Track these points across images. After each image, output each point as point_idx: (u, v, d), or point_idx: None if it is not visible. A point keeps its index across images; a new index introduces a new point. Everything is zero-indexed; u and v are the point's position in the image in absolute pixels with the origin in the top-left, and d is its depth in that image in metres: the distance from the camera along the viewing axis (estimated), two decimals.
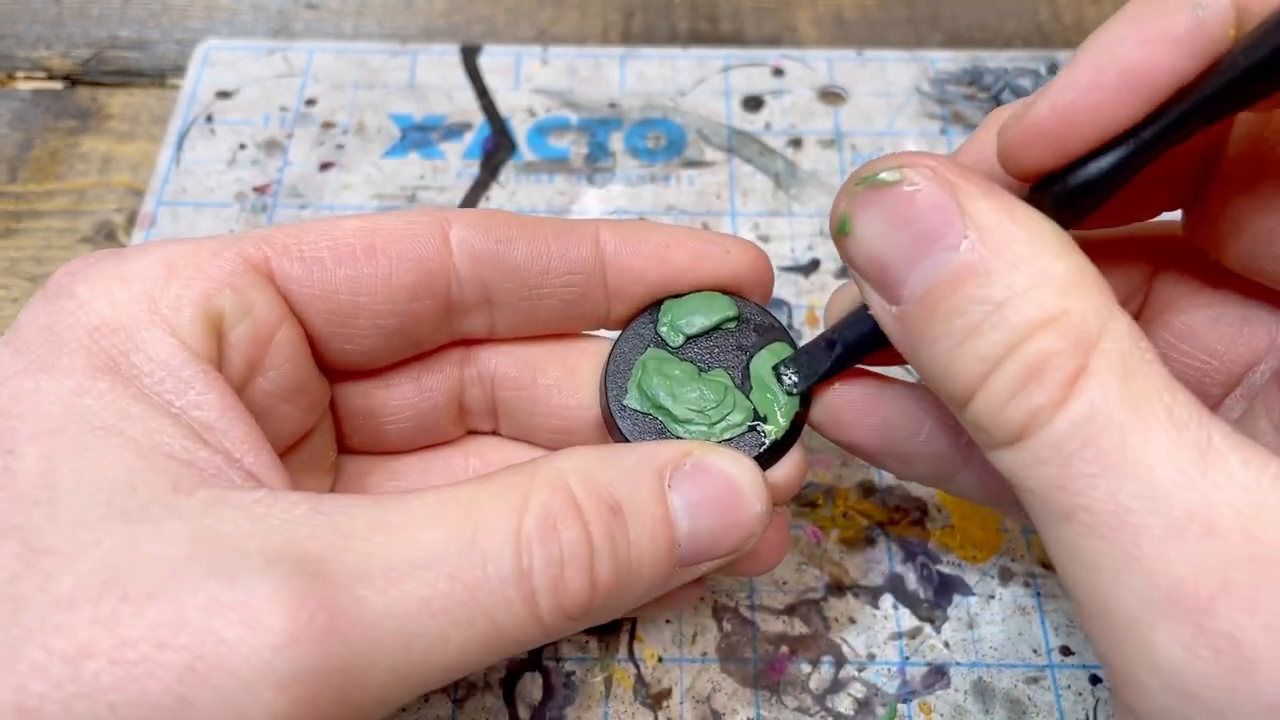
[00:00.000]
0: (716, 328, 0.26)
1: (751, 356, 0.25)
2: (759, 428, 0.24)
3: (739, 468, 0.23)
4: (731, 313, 0.26)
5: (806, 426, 0.26)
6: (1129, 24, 0.19)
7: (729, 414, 0.24)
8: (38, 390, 0.20)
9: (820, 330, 0.28)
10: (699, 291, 0.26)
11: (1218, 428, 0.17)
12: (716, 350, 0.26)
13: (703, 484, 0.22)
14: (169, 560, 0.18)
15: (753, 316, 0.26)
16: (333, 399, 0.26)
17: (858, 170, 0.20)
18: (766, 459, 0.24)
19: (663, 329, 0.26)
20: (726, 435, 0.24)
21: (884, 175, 0.19)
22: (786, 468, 0.25)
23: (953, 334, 0.18)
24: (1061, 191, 0.20)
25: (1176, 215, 0.25)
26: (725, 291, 0.26)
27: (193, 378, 0.20)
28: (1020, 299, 0.18)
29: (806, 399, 0.25)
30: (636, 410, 0.25)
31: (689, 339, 0.26)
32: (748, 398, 0.25)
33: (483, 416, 0.28)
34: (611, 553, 0.21)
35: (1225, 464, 0.17)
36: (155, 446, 0.19)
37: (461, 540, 0.19)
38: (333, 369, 0.25)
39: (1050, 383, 0.17)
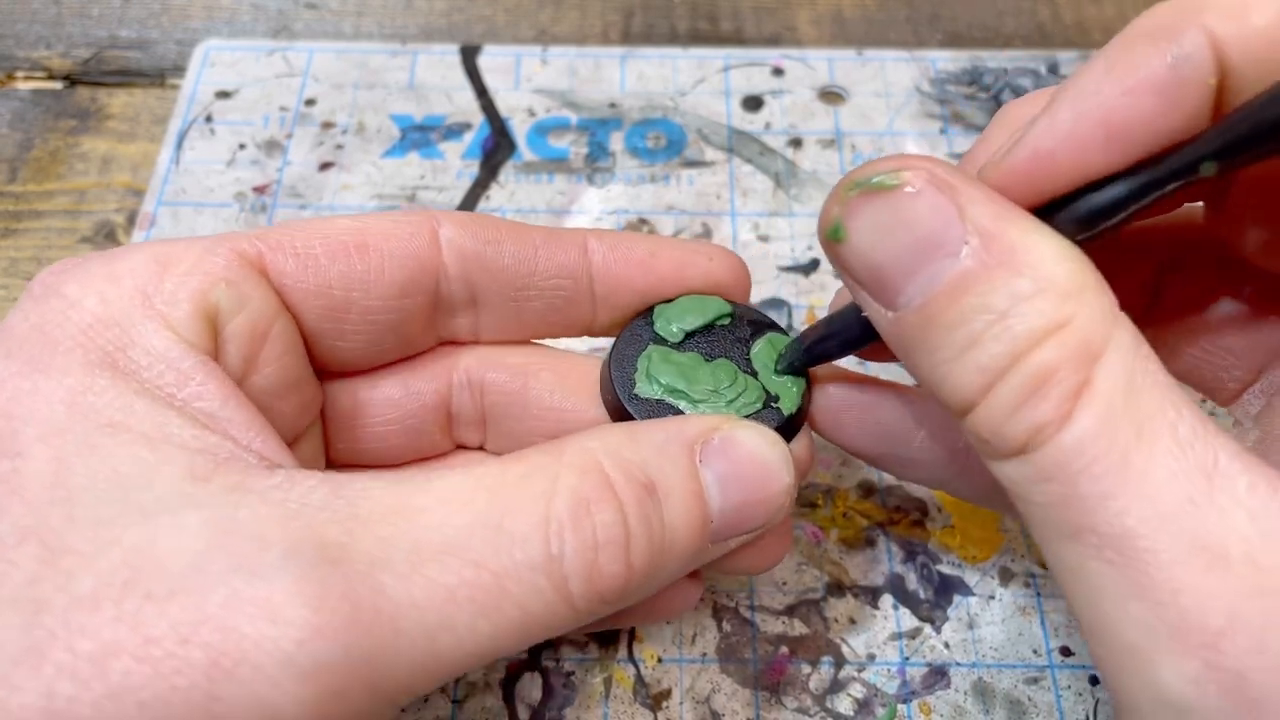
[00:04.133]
0: (711, 325, 0.26)
1: (751, 346, 0.26)
2: (773, 405, 0.25)
3: (767, 441, 0.23)
4: (726, 309, 0.26)
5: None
6: (1107, 71, 0.18)
7: (743, 393, 0.25)
8: (36, 391, 0.19)
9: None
10: (687, 295, 0.26)
11: (1224, 446, 0.17)
12: (716, 343, 0.26)
13: (732, 458, 0.22)
14: (188, 554, 0.18)
15: (745, 313, 0.27)
16: (321, 406, 0.26)
17: (850, 173, 0.19)
18: (783, 435, 0.24)
19: (659, 328, 0.26)
20: (744, 413, 0.25)
21: (879, 179, 0.19)
22: (798, 447, 0.25)
23: (953, 344, 0.18)
24: (1069, 219, 0.19)
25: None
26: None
27: (192, 369, 0.20)
28: (1023, 306, 0.17)
29: (810, 381, 0.26)
30: (649, 399, 0.25)
31: (688, 335, 0.26)
32: (756, 380, 0.25)
33: (471, 427, 0.27)
34: (647, 534, 0.20)
35: (1232, 487, 0.16)
36: (165, 438, 0.19)
37: (487, 526, 0.19)
38: (325, 368, 0.25)
39: (1054, 397, 0.17)
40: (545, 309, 0.26)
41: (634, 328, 0.26)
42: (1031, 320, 0.17)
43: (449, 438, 0.28)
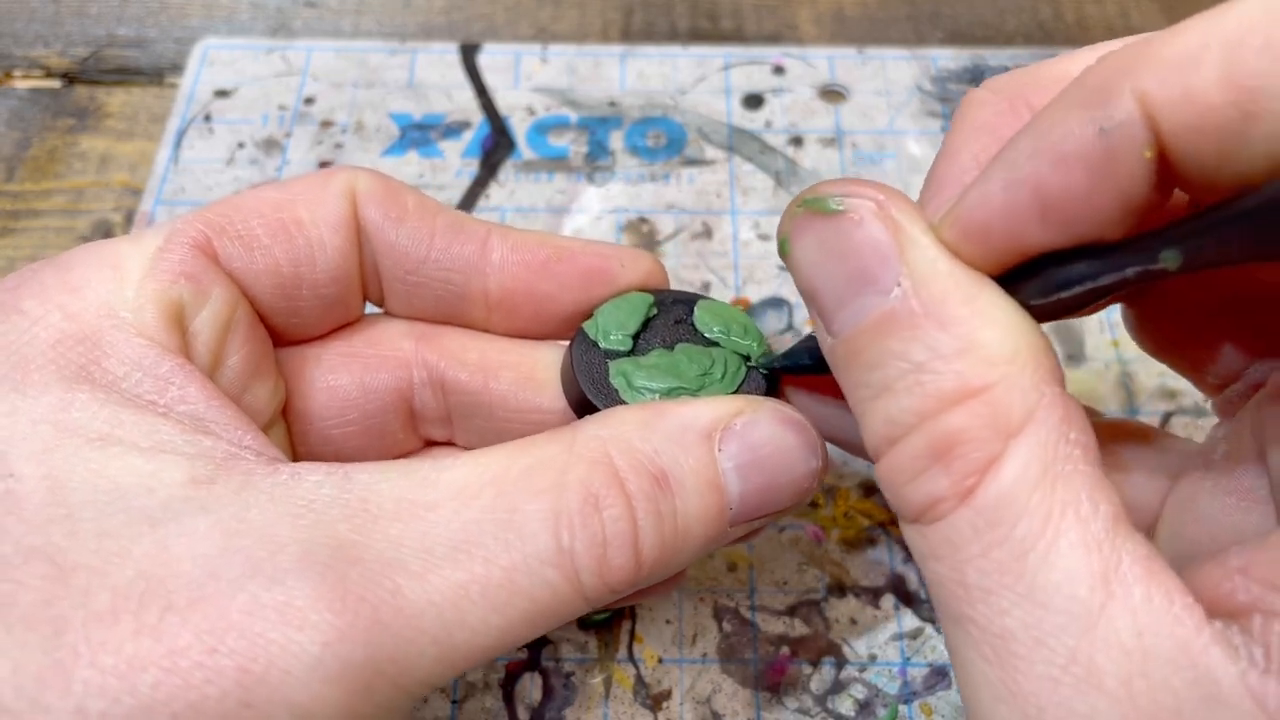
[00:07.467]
0: (647, 319, 0.26)
1: (693, 322, 0.26)
2: (752, 365, 0.25)
3: (791, 424, 0.22)
4: (650, 299, 0.26)
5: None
6: (1039, 138, 0.17)
7: (728, 364, 0.25)
8: (15, 411, 0.19)
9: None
10: (605, 303, 0.25)
11: (1131, 549, 0.16)
12: (663, 333, 0.26)
13: (753, 443, 0.21)
14: (203, 560, 0.17)
15: (665, 295, 0.26)
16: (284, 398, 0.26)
17: (805, 190, 0.19)
18: (771, 385, 0.25)
19: (604, 344, 0.25)
20: (738, 380, 0.24)
21: (826, 201, 0.18)
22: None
23: (869, 384, 0.18)
24: (1030, 285, 0.18)
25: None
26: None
27: (170, 373, 0.20)
28: (940, 364, 0.16)
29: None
30: None
31: (635, 339, 0.25)
32: (722, 348, 0.25)
33: (437, 424, 0.27)
34: (657, 526, 0.20)
35: (1128, 597, 0.15)
36: (158, 446, 0.19)
37: (496, 521, 0.19)
38: (282, 340, 0.25)
39: (955, 471, 0.16)
40: (435, 300, 0.25)
41: (578, 356, 0.25)
42: (944, 380, 0.16)
43: (415, 435, 0.27)
